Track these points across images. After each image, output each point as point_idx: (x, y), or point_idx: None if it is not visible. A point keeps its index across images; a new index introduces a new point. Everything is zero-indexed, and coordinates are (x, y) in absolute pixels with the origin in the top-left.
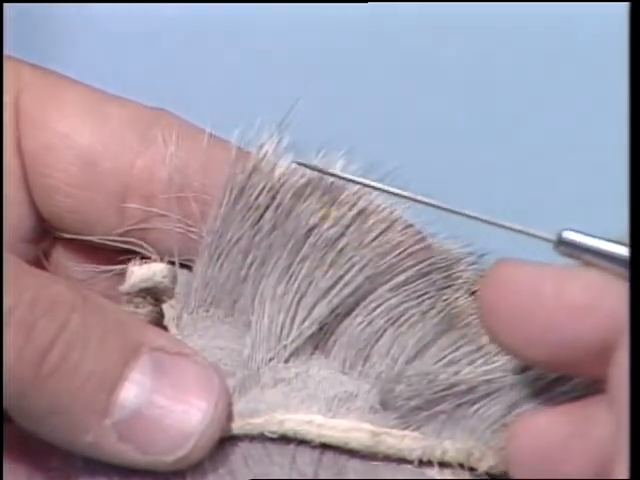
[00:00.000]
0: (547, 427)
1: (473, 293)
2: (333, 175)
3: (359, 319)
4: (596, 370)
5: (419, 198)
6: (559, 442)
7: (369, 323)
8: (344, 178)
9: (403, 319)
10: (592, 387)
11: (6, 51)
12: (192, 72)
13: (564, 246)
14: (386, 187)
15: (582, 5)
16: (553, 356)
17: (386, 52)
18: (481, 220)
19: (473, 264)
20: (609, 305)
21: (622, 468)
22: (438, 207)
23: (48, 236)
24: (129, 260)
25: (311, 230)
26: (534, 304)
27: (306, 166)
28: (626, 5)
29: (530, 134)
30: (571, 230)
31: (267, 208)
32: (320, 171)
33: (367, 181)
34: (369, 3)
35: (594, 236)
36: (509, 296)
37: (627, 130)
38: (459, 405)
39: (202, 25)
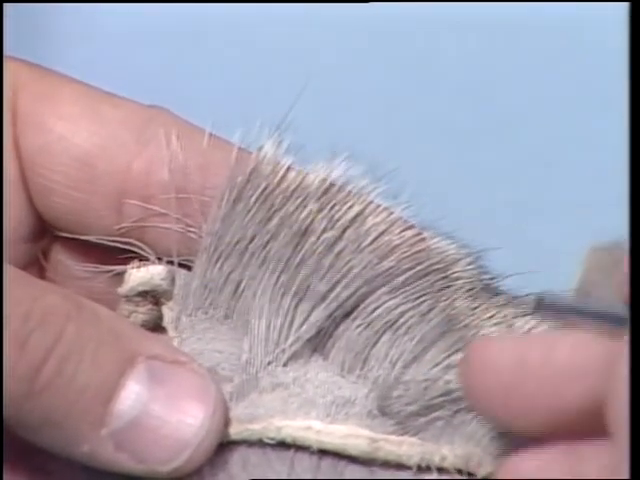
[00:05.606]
0: (543, 469)
1: (471, 293)
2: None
3: (357, 322)
4: (592, 429)
5: None
6: None
7: (367, 326)
8: None
9: (401, 321)
10: None
11: (6, 51)
12: (192, 72)
13: (543, 310)
14: None
15: (582, 5)
16: (550, 425)
17: (386, 52)
18: None
19: (472, 264)
20: (599, 363)
21: None
22: None
23: (47, 235)
24: (128, 259)
25: (309, 233)
26: (522, 377)
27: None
28: (626, 5)
29: (530, 134)
30: (547, 294)
31: (266, 211)
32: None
33: None
34: (369, 3)
35: (571, 296)
36: (495, 376)
37: (627, 130)
38: (457, 411)
39: (202, 25)
